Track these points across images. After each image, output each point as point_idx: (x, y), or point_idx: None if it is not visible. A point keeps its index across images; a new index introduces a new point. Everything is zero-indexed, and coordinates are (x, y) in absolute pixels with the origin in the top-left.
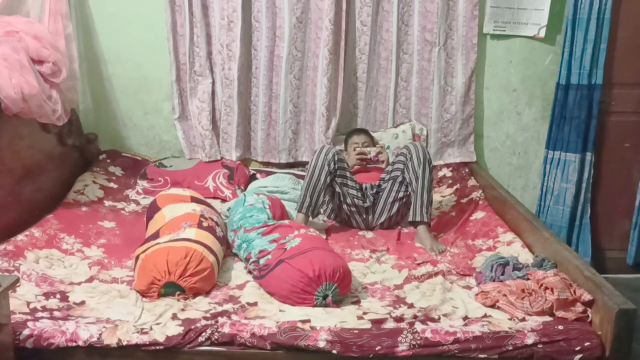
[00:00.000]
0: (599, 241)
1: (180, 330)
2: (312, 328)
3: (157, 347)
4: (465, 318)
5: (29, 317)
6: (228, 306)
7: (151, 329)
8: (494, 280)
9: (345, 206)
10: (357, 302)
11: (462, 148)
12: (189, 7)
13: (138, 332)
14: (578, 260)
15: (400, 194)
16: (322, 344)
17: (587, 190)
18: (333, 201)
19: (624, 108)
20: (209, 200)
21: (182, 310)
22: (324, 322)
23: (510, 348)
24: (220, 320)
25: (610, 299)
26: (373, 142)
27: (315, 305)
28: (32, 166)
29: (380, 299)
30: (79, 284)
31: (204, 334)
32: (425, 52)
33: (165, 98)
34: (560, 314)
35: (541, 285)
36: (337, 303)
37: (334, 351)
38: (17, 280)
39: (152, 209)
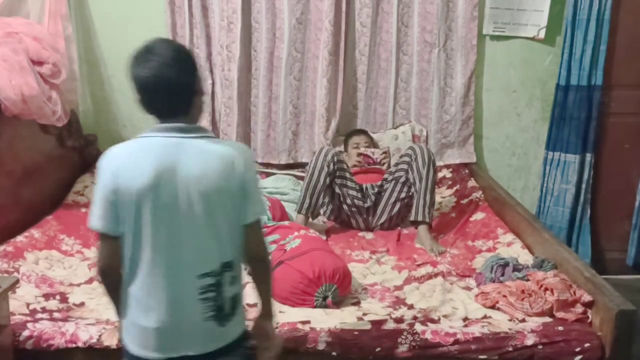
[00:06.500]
0: (599, 242)
1: None
2: (312, 329)
3: None
4: (465, 319)
5: (28, 318)
6: None
7: None
8: (493, 281)
9: (345, 207)
10: (357, 303)
11: (462, 149)
12: (189, 8)
13: None
14: (578, 261)
15: (402, 195)
16: (322, 346)
17: (587, 192)
18: (333, 202)
19: (623, 109)
20: None
21: None
22: (323, 323)
23: (510, 349)
24: None
25: (610, 300)
26: (373, 143)
27: (315, 307)
28: (31, 167)
29: (380, 300)
30: (79, 285)
31: None
32: (425, 53)
33: None
34: (560, 315)
35: (541, 286)
36: (337, 304)
37: (334, 353)
38: (17, 281)
39: None
